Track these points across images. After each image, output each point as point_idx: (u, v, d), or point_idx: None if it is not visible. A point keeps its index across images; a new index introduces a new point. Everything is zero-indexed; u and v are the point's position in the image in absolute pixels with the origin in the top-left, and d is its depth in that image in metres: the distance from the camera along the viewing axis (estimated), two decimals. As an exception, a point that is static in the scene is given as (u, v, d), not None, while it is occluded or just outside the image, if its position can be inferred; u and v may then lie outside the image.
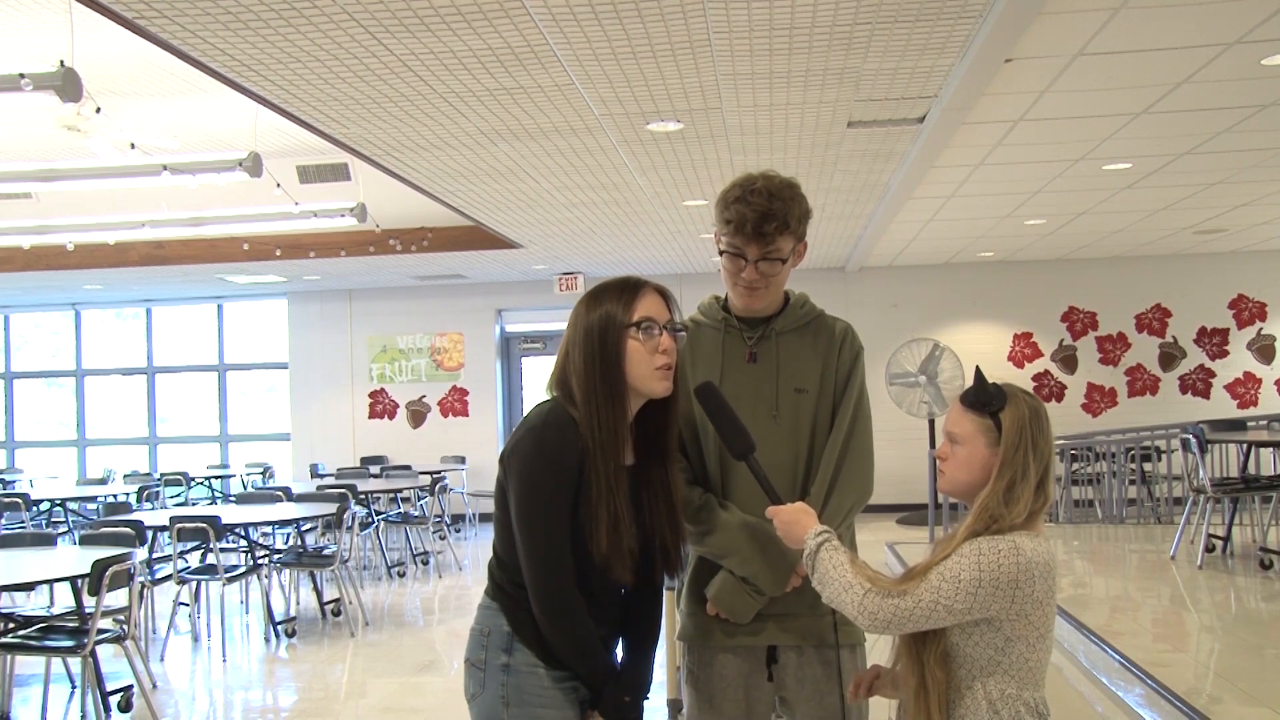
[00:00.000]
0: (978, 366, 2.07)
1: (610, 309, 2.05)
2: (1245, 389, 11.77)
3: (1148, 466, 9.73)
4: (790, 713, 2.36)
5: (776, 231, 2.21)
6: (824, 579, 1.93)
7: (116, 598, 5.16)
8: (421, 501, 10.18)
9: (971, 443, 1.93)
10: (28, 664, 5.72)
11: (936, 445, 2.04)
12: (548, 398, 2.11)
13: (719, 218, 2.27)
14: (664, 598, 2.24)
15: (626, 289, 2.07)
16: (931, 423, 10.44)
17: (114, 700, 5.09)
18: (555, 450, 2.00)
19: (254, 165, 6.13)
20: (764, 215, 2.19)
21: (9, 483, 11.37)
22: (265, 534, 8.81)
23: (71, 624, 5.18)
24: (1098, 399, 11.94)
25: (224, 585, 6.68)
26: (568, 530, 2.00)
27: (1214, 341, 11.81)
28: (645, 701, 2.15)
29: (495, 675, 2.06)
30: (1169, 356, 11.85)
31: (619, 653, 2.19)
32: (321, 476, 11.06)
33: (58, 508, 9.84)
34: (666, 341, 2.05)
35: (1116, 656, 4.87)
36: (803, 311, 2.38)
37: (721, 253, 2.28)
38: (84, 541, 6.06)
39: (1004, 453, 1.88)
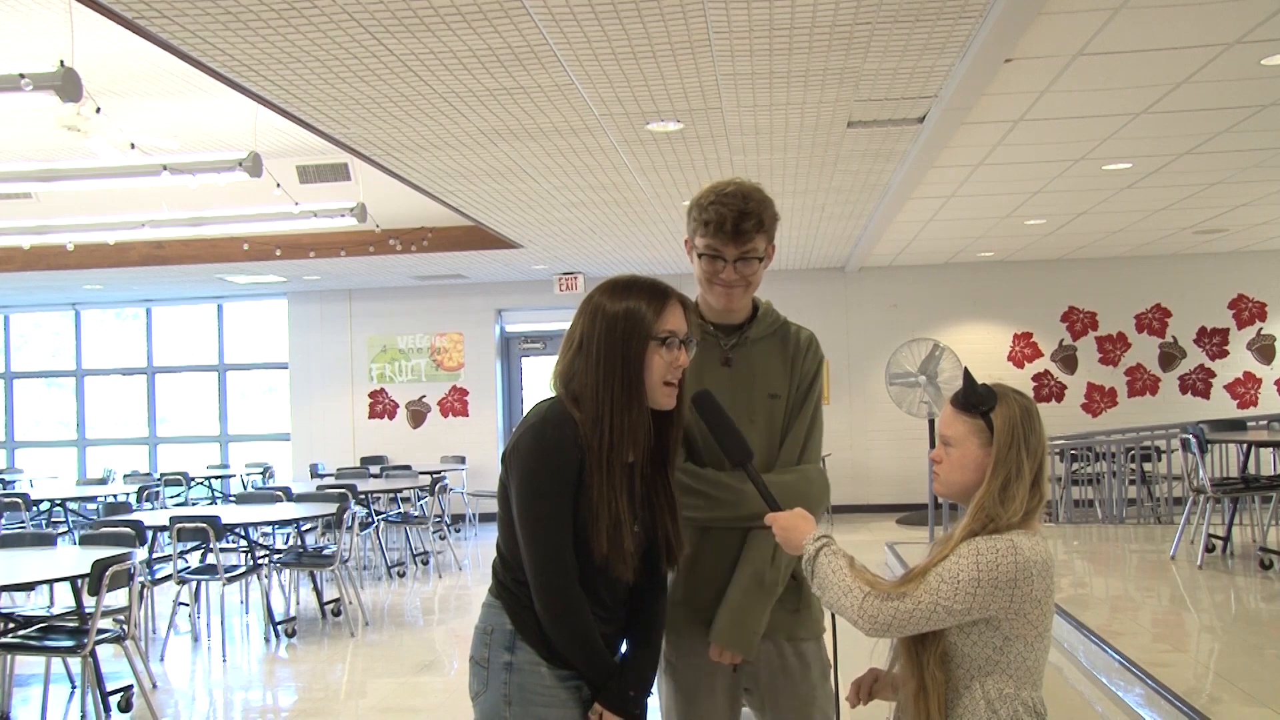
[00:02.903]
0: (966, 368, 2.08)
1: (638, 310, 2.03)
2: (1245, 389, 11.78)
3: (1148, 466, 9.73)
4: (759, 704, 2.40)
5: (754, 229, 2.28)
6: (824, 583, 1.93)
7: (116, 598, 5.16)
8: (421, 501, 10.18)
9: (964, 444, 1.93)
10: (28, 664, 5.72)
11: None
12: (551, 394, 2.11)
13: (694, 220, 2.34)
14: (667, 589, 2.25)
15: (656, 295, 2.05)
16: (931, 422, 10.43)
17: (114, 700, 5.09)
18: (554, 447, 2.00)
19: (254, 165, 6.13)
20: (741, 214, 2.27)
21: (9, 483, 11.37)
22: (265, 534, 8.82)
23: (71, 624, 5.18)
24: (1098, 399, 11.94)
25: (224, 585, 6.68)
26: (569, 526, 2.00)
27: (1214, 341, 11.81)
28: (649, 697, 2.15)
29: (498, 673, 2.06)
30: (1169, 356, 11.85)
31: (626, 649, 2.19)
32: (321, 476, 11.06)
33: (58, 508, 9.84)
34: (683, 357, 2.05)
35: (1116, 656, 4.87)
36: (771, 319, 2.46)
37: (700, 256, 2.34)
38: (84, 541, 6.06)
39: (997, 452, 1.89)
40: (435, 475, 9.81)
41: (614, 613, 2.12)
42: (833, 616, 2.00)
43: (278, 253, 9.82)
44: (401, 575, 9.01)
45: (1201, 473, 7.21)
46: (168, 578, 6.83)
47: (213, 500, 11.44)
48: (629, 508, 2.03)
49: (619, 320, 2.02)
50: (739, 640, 2.29)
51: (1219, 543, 7.42)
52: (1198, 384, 11.82)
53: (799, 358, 2.41)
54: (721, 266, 2.30)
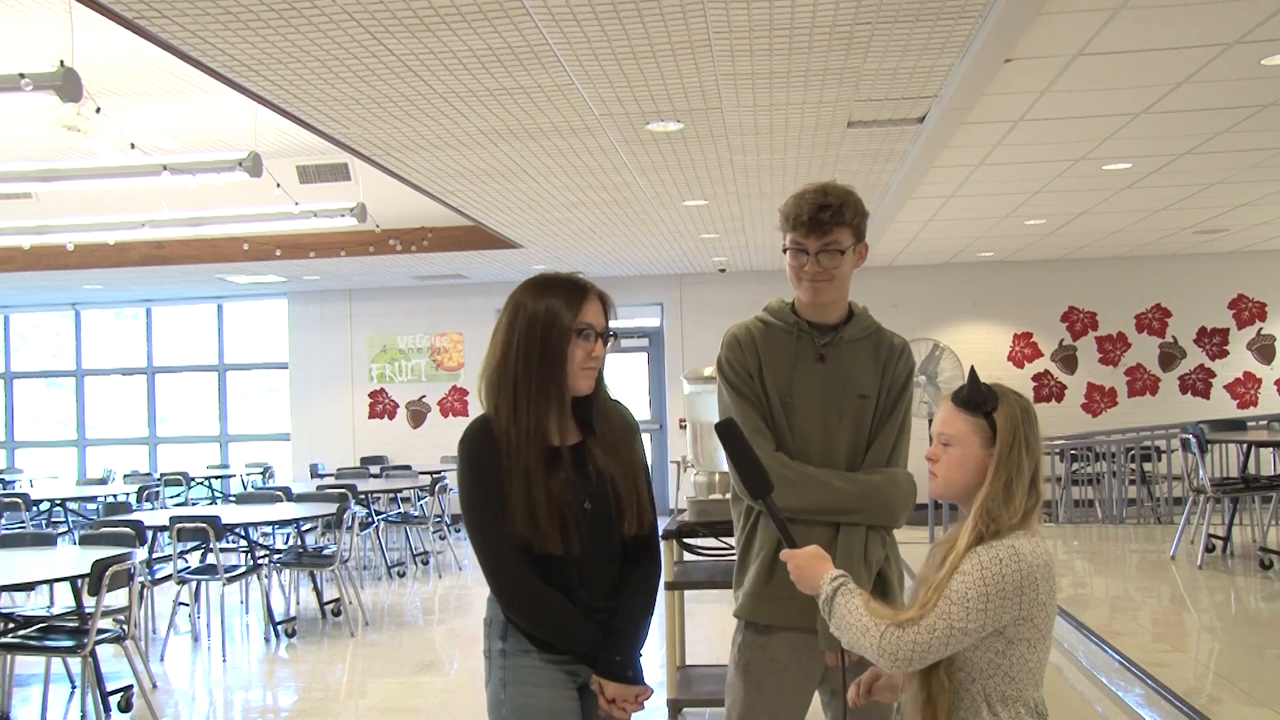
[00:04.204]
0: (972, 367, 2.07)
1: (556, 307, 2.16)
2: (1245, 389, 11.77)
3: (1148, 466, 9.74)
4: (829, 698, 2.45)
5: (832, 221, 2.37)
6: (840, 624, 1.90)
7: (116, 598, 5.16)
8: (421, 501, 10.18)
9: (966, 443, 1.93)
10: (28, 664, 5.72)
11: (934, 447, 2.06)
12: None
13: (782, 220, 2.44)
14: (653, 556, 2.31)
15: (575, 291, 2.18)
16: (931, 423, 10.43)
17: (114, 700, 5.09)
18: (473, 455, 2.18)
19: (254, 165, 6.12)
20: (819, 207, 2.37)
21: (9, 483, 11.37)
22: (265, 534, 8.82)
23: (71, 624, 5.18)
24: (1098, 399, 11.94)
25: (224, 585, 6.68)
26: (507, 527, 2.13)
27: (1214, 341, 11.81)
28: (640, 657, 2.24)
29: (496, 660, 2.22)
30: (1169, 356, 11.85)
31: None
32: (321, 476, 11.07)
33: (58, 508, 9.84)
34: (600, 349, 2.19)
35: (1116, 656, 4.87)
36: (866, 323, 2.54)
37: (786, 251, 2.44)
38: (84, 541, 6.06)
39: (999, 452, 1.88)
40: (435, 475, 9.82)
41: (598, 596, 2.20)
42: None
43: (278, 253, 9.82)
44: (401, 575, 9.01)
45: (1201, 473, 7.21)
46: (168, 578, 6.83)
47: (213, 500, 11.43)
48: (545, 485, 2.12)
49: (539, 316, 2.15)
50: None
51: (1219, 543, 7.42)
52: (1198, 384, 11.82)
53: (891, 362, 2.49)
54: (805, 260, 2.39)
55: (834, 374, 2.45)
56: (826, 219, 2.35)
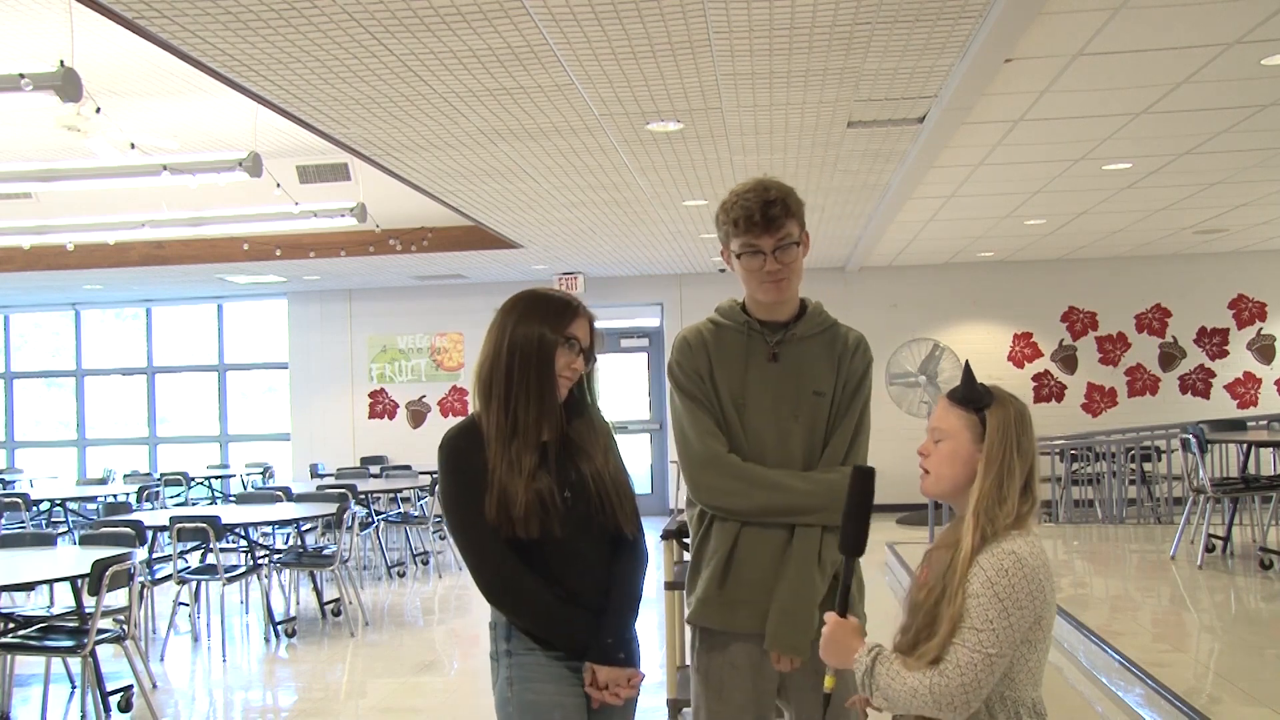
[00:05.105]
0: (967, 362, 2.07)
1: (546, 320, 2.26)
2: (1245, 389, 11.77)
3: (1148, 466, 9.73)
4: (789, 705, 2.41)
5: (782, 214, 2.33)
6: (888, 694, 1.88)
7: (116, 598, 5.16)
8: (421, 501, 10.18)
9: (957, 438, 1.93)
10: (28, 664, 5.72)
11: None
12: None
13: (725, 223, 2.39)
14: (638, 548, 2.34)
15: (567, 313, 2.27)
16: (931, 423, 10.42)
17: (114, 700, 5.09)
18: (455, 453, 2.25)
19: (254, 165, 6.13)
20: (765, 203, 2.32)
21: (9, 483, 11.37)
22: (265, 534, 8.82)
23: (71, 624, 5.18)
24: (1098, 399, 11.94)
25: (224, 585, 6.68)
26: (490, 524, 2.18)
27: (1214, 341, 11.81)
28: (631, 640, 2.28)
29: (503, 661, 2.25)
30: (1169, 356, 11.85)
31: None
32: (321, 476, 11.06)
33: (58, 508, 9.84)
34: (580, 364, 2.27)
35: (1116, 656, 4.87)
36: (820, 319, 2.48)
37: (738, 257, 2.38)
38: (84, 541, 6.06)
39: (988, 449, 1.88)
40: (435, 475, 9.81)
41: (584, 586, 2.24)
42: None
43: (278, 253, 9.82)
44: (401, 575, 9.01)
45: (1201, 473, 7.21)
46: (168, 578, 6.83)
47: (213, 500, 11.43)
48: (529, 473, 2.18)
49: (534, 337, 2.25)
50: (797, 643, 2.29)
51: (1219, 543, 7.42)
52: (1198, 384, 11.82)
53: (845, 357, 2.43)
54: (762, 260, 2.35)
55: (787, 372, 2.40)
56: (777, 214, 2.32)
